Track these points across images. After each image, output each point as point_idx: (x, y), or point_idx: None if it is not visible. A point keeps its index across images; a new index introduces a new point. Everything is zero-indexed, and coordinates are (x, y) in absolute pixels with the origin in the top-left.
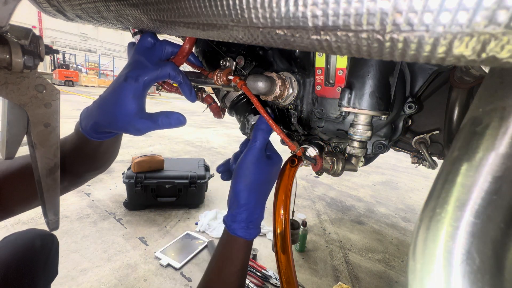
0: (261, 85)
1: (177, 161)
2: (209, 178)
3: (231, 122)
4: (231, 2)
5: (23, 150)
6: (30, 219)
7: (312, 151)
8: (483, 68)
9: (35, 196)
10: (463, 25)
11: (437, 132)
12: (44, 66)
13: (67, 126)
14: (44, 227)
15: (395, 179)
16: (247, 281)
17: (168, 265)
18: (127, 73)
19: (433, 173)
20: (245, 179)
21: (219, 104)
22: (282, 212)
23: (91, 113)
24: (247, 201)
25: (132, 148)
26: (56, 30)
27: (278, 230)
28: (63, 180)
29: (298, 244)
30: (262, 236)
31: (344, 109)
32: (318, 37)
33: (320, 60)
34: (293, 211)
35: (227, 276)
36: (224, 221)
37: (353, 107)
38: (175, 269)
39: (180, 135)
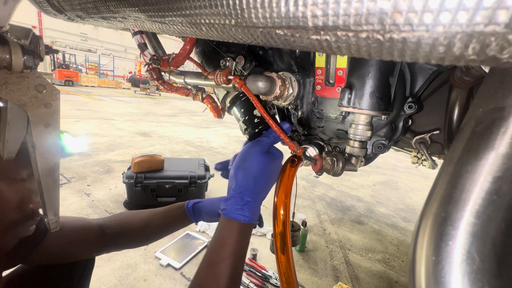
0: (261, 85)
1: (177, 161)
2: (209, 178)
3: (231, 122)
4: (231, 2)
5: None
6: None
7: (312, 151)
8: (483, 68)
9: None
10: (463, 25)
11: (437, 132)
12: (44, 66)
13: (67, 126)
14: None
15: (395, 179)
16: (247, 281)
17: (168, 265)
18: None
19: (433, 173)
20: (244, 165)
21: (219, 104)
22: (282, 212)
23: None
24: (243, 185)
25: (132, 148)
26: (56, 30)
27: (278, 230)
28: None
29: (298, 244)
30: (262, 236)
31: (344, 109)
32: (318, 37)
33: (320, 60)
34: (294, 213)
35: (217, 260)
36: (220, 206)
37: (353, 107)
38: (175, 269)
39: (180, 135)
